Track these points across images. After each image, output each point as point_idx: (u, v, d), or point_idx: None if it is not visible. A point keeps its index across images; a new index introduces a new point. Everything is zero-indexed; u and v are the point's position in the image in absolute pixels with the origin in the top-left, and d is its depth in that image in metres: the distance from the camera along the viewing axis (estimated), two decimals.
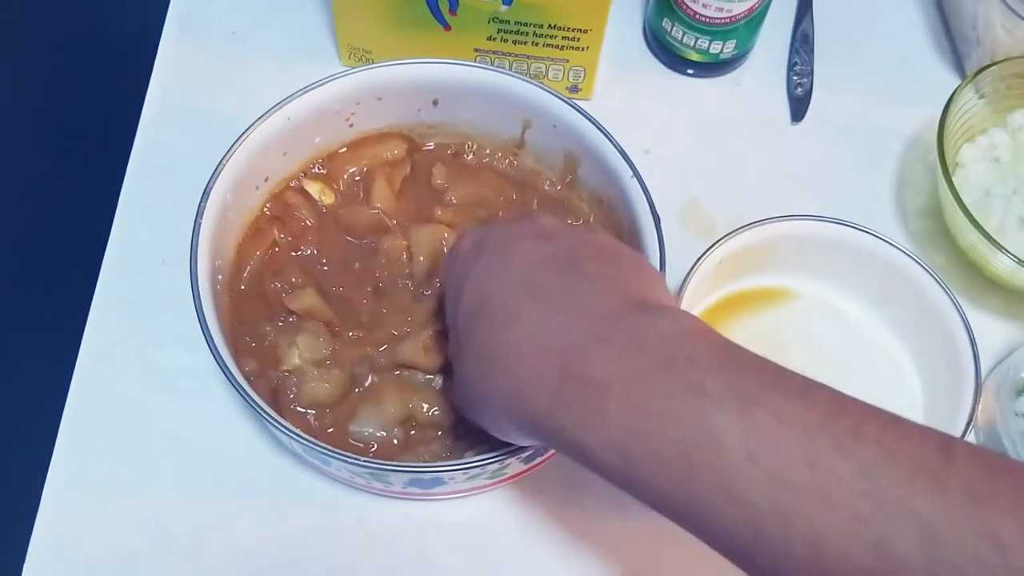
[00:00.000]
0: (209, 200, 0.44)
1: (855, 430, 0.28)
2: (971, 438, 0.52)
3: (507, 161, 0.53)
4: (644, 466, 0.30)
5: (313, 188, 0.51)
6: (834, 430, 0.28)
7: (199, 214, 0.44)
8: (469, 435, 0.45)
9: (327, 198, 0.51)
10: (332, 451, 0.40)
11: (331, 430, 0.45)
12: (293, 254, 0.49)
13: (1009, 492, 0.26)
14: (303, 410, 0.45)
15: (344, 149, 0.52)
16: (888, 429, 0.28)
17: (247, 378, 0.43)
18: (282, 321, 0.47)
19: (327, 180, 0.51)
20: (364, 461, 0.40)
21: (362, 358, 0.46)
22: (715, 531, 0.30)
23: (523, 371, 0.33)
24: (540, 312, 0.34)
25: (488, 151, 0.53)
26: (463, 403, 0.39)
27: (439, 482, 0.43)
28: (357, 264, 0.49)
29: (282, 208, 0.50)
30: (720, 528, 0.29)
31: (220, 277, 0.46)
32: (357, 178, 0.52)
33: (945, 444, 0.27)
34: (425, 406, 0.45)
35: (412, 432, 0.45)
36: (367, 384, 0.46)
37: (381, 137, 0.52)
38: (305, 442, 0.40)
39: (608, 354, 0.32)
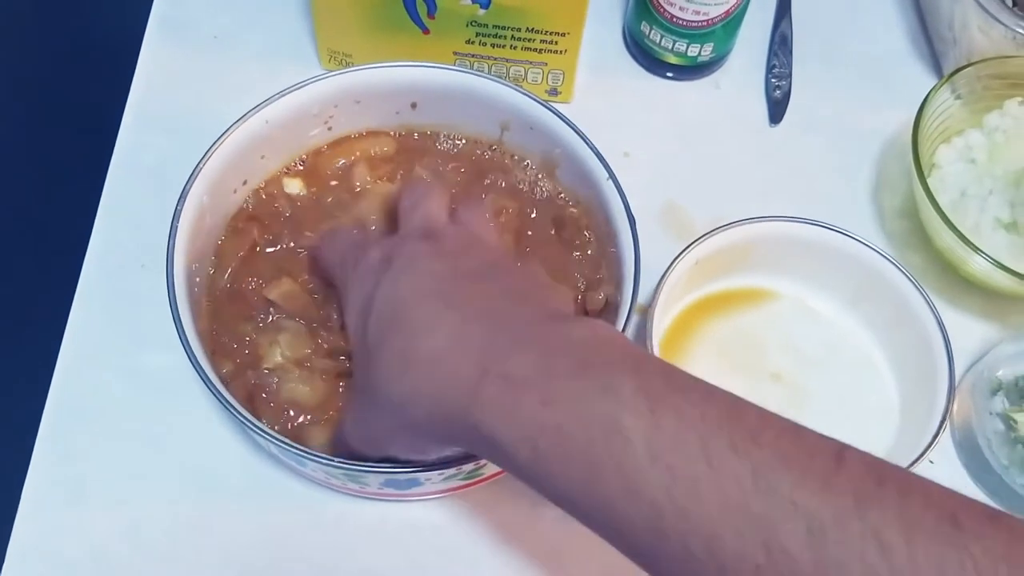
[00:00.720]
0: (185, 203, 0.45)
1: (753, 433, 0.29)
2: (947, 437, 0.53)
3: (485, 155, 0.53)
4: (553, 462, 0.31)
5: (293, 186, 0.51)
6: (732, 431, 0.29)
7: (175, 217, 0.44)
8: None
9: (303, 192, 0.51)
10: (306, 452, 0.40)
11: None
12: (269, 250, 0.49)
13: (896, 495, 0.27)
14: (282, 409, 0.45)
15: (326, 148, 0.52)
16: (785, 434, 0.29)
17: (224, 380, 0.43)
18: (262, 319, 0.47)
19: (308, 177, 0.52)
20: (338, 462, 0.40)
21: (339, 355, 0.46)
22: (619, 530, 0.30)
23: (443, 374, 0.34)
24: (459, 318, 0.35)
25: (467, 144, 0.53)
26: (364, 431, 0.40)
27: (415, 483, 0.43)
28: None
29: (261, 206, 0.50)
30: (624, 527, 0.30)
31: (198, 279, 0.47)
32: (340, 172, 0.52)
33: (839, 450, 0.29)
34: None
35: None
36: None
37: (369, 134, 0.53)
38: (279, 443, 0.40)
39: (528, 355, 0.33)
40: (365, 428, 0.39)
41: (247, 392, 0.45)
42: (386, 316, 0.37)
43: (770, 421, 0.30)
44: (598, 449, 0.30)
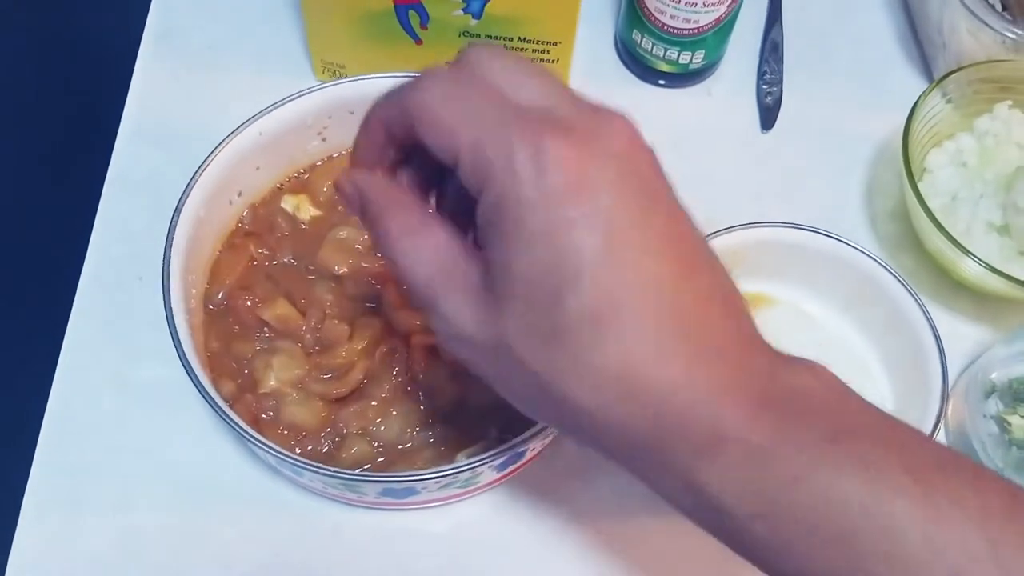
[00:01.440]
0: (181, 216, 0.45)
1: None
2: (941, 439, 0.53)
3: None
4: (798, 543, 0.28)
5: (290, 203, 0.52)
6: (1019, 527, 0.26)
7: (171, 229, 0.44)
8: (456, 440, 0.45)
9: (304, 213, 0.51)
10: (303, 462, 0.41)
11: (309, 447, 0.45)
12: (267, 264, 0.49)
13: None
14: (282, 431, 0.46)
15: (320, 163, 0.53)
16: None
17: (227, 400, 0.43)
18: (258, 336, 0.47)
19: (307, 194, 0.52)
20: (335, 472, 0.41)
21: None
22: None
23: (668, 417, 0.29)
24: (690, 353, 0.29)
25: None
26: (504, 383, 0.32)
27: (412, 491, 0.44)
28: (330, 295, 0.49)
29: (258, 224, 0.51)
30: None
31: (194, 292, 0.47)
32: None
33: None
34: (408, 429, 0.46)
35: (402, 447, 0.46)
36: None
37: None
38: (276, 454, 0.40)
39: (770, 418, 0.28)
40: (502, 384, 0.32)
41: (251, 416, 0.45)
42: (602, 311, 0.28)
43: None
44: (863, 537, 0.26)
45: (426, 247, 0.31)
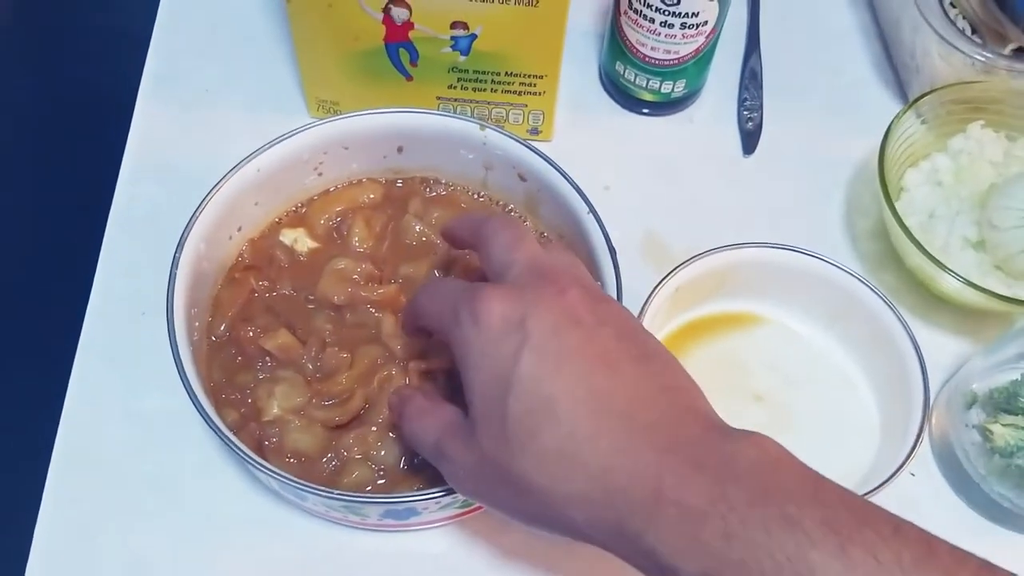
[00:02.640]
0: (183, 251, 0.46)
1: (949, 573, 0.29)
2: (927, 451, 0.54)
3: (474, 195, 0.56)
4: None
5: (288, 237, 0.53)
6: (929, 573, 0.28)
7: (174, 264, 0.46)
8: None
9: (301, 245, 0.53)
10: (307, 486, 0.42)
11: (312, 472, 0.47)
12: (267, 296, 0.51)
13: None
14: (287, 459, 0.47)
15: (316, 196, 0.54)
16: (981, 574, 0.29)
17: (232, 429, 0.45)
18: (260, 365, 0.49)
19: (304, 227, 0.54)
20: (337, 494, 0.42)
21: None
22: None
23: (614, 488, 0.33)
24: (626, 427, 0.33)
25: (456, 189, 0.56)
26: (492, 499, 0.38)
27: (413, 512, 0.45)
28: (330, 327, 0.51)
29: (258, 257, 0.52)
30: None
31: (197, 324, 0.48)
32: (335, 223, 0.54)
33: None
34: (412, 453, 0.47)
35: (402, 470, 0.47)
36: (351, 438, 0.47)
37: (357, 182, 0.55)
38: (281, 478, 0.42)
39: (704, 480, 0.32)
40: (492, 498, 0.38)
41: (255, 444, 0.46)
42: (537, 405, 0.34)
43: (964, 558, 0.30)
44: None
45: (433, 419, 0.40)
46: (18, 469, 0.51)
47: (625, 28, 0.60)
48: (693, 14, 0.57)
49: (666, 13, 0.57)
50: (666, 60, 0.60)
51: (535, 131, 0.61)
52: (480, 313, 0.36)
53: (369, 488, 0.46)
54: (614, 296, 0.47)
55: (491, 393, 0.35)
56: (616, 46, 0.62)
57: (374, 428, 0.47)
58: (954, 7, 0.63)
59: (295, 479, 0.42)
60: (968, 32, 0.62)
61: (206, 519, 0.49)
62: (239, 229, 0.52)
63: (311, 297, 0.51)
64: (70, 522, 0.49)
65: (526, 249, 0.39)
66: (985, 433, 0.51)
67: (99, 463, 0.50)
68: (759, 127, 0.65)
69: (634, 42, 0.60)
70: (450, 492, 0.42)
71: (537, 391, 0.34)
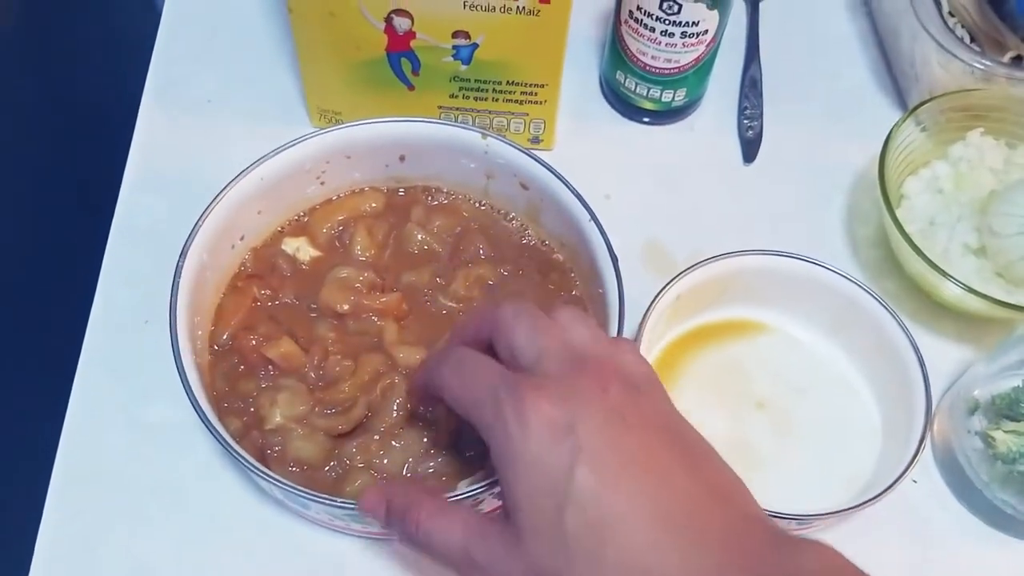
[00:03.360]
0: (186, 260, 0.47)
1: None
2: (929, 457, 0.54)
3: (476, 203, 0.56)
4: None
5: (290, 246, 0.53)
6: None
7: (177, 273, 0.46)
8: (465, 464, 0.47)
9: (303, 254, 0.53)
10: (311, 494, 0.42)
11: (315, 481, 0.47)
12: (269, 305, 0.51)
13: None
14: (289, 467, 0.47)
15: (319, 205, 0.55)
16: None
17: (234, 437, 0.45)
18: (263, 374, 0.49)
19: (306, 236, 0.54)
20: (341, 502, 0.42)
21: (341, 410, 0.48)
22: None
23: None
24: (688, 544, 0.33)
25: (458, 197, 0.56)
26: None
27: None
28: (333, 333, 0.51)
29: (260, 266, 0.53)
30: None
31: (200, 333, 0.49)
32: (337, 231, 0.54)
33: None
34: (410, 460, 0.47)
35: (407, 475, 0.47)
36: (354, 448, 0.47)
37: (359, 191, 0.55)
38: (284, 487, 0.42)
39: None
40: None
41: (258, 452, 0.46)
42: (598, 520, 0.33)
43: None
44: None
45: (455, 519, 0.37)
46: (21, 478, 0.51)
47: (626, 37, 0.60)
48: (693, 23, 0.57)
49: (666, 22, 0.57)
50: (667, 69, 0.60)
51: (536, 140, 0.62)
52: (527, 416, 0.34)
53: None
54: (616, 305, 0.47)
55: (543, 504, 0.34)
56: (617, 55, 0.62)
57: (376, 436, 0.47)
58: (953, 16, 0.63)
59: (298, 487, 0.42)
60: (967, 40, 0.62)
61: (208, 528, 0.49)
62: (241, 238, 0.52)
63: (313, 306, 0.51)
64: (73, 531, 0.49)
65: (553, 334, 0.38)
66: (987, 439, 0.51)
67: (102, 472, 0.50)
68: (759, 135, 0.65)
69: (635, 51, 0.60)
70: (452, 500, 0.42)
71: (598, 506, 0.33)
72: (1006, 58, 0.62)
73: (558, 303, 0.40)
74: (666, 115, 0.65)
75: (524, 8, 0.52)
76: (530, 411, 0.34)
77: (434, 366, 0.40)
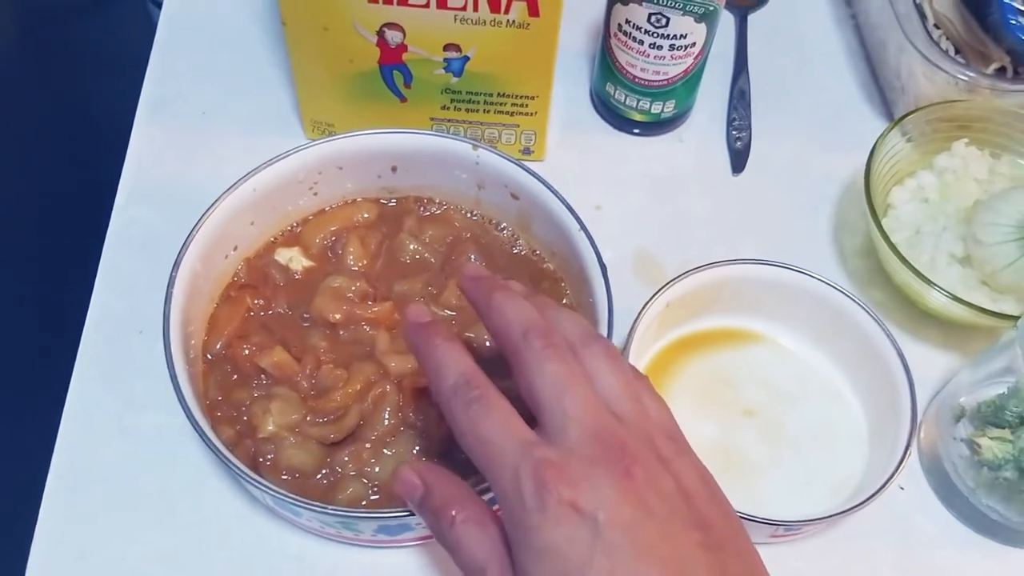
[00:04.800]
0: (180, 270, 0.47)
1: None
2: (916, 464, 0.55)
3: (467, 213, 0.56)
4: None
5: (283, 256, 0.54)
6: None
7: (170, 283, 0.46)
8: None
9: (296, 264, 0.54)
10: (302, 502, 0.42)
11: (306, 489, 0.47)
12: (262, 314, 0.52)
13: None
14: (281, 475, 0.47)
15: (311, 216, 0.55)
16: None
17: (227, 445, 0.45)
18: (256, 383, 0.49)
19: (299, 246, 0.54)
20: (332, 509, 0.42)
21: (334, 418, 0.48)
22: None
23: None
24: None
25: (450, 207, 0.56)
26: None
27: (406, 528, 0.45)
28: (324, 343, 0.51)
29: (253, 276, 0.53)
30: None
31: (193, 342, 0.49)
32: (329, 241, 0.54)
33: None
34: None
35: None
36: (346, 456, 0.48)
37: (351, 202, 0.56)
38: (275, 494, 0.42)
39: None
40: None
41: (251, 460, 0.47)
42: None
43: None
44: None
45: (488, 536, 0.36)
46: (14, 486, 0.51)
47: (615, 50, 0.61)
48: (681, 36, 0.58)
49: (655, 35, 0.58)
50: (656, 81, 0.61)
51: (527, 151, 0.62)
52: (548, 499, 0.33)
53: (363, 504, 0.47)
54: (605, 313, 0.48)
55: None
56: (606, 67, 0.63)
57: (368, 445, 0.48)
58: (938, 28, 0.64)
59: (290, 495, 0.43)
60: (952, 52, 0.63)
61: (201, 536, 0.50)
62: (235, 248, 0.52)
63: (306, 315, 0.51)
64: (66, 539, 0.49)
65: (580, 394, 0.36)
66: (973, 446, 0.51)
67: (95, 480, 0.51)
68: (747, 146, 0.65)
69: (624, 63, 0.61)
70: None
71: None
72: (990, 70, 0.63)
73: (586, 331, 0.39)
74: (655, 126, 0.65)
75: (514, 22, 0.53)
76: (552, 495, 0.33)
77: (451, 395, 0.37)
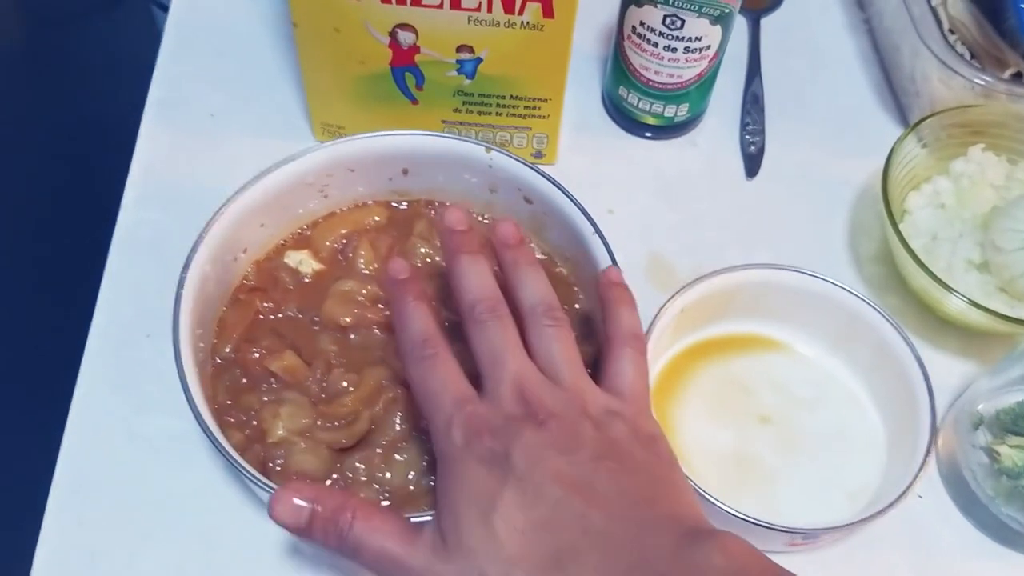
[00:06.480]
0: (189, 272, 0.46)
1: None
2: (934, 472, 0.54)
3: (479, 217, 0.56)
4: None
5: (293, 259, 0.53)
6: None
7: (180, 285, 0.46)
8: None
9: (306, 267, 0.53)
10: None
11: None
12: (272, 318, 0.51)
13: None
14: (291, 479, 0.46)
15: (322, 219, 0.55)
16: None
17: (235, 449, 0.44)
18: (265, 387, 0.49)
19: (309, 249, 0.54)
20: None
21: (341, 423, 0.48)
22: None
23: None
24: (598, 547, 0.35)
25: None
26: None
27: None
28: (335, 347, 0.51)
29: (263, 279, 0.52)
30: None
31: (202, 346, 0.48)
32: (340, 244, 0.54)
33: None
34: (413, 473, 0.47)
35: (407, 492, 0.46)
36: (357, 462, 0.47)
37: (362, 205, 0.55)
38: None
39: None
40: None
41: (260, 465, 0.46)
42: (520, 527, 0.36)
43: None
44: None
45: (390, 522, 0.39)
46: (20, 491, 0.51)
47: (628, 52, 0.60)
48: (696, 38, 0.57)
49: (669, 37, 0.57)
50: (669, 84, 0.61)
51: (539, 154, 0.62)
52: (473, 443, 0.38)
53: None
54: None
55: (471, 513, 0.37)
56: (619, 70, 0.62)
57: (379, 450, 0.47)
58: (953, 33, 0.63)
59: None
60: (967, 57, 0.62)
61: (209, 541, 0.49)
62: (244, 251, 0.52)
63: (316, 319, 0.51)
64: (73, 544, 0.49)
65: (512, 366, 0.40)
66: (992, 454, 0.50)
67: (102, 485, 0.50)
68: (761, 151, 0.65)
69: (637, 66, 0.61)
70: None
71: (522, 516, 0.36)
72: (1006, 74, 0.62)
73: (543, 301, 0.43)
74: (668, 130, 0.65)
75: (528, 23, 0.52)
76: (475, 442, 0.38)
77: (409, 349, 0.42)
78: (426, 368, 0.41)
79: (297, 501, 0.39)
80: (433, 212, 0.56)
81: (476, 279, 0.43)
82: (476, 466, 0.37)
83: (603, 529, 0.35)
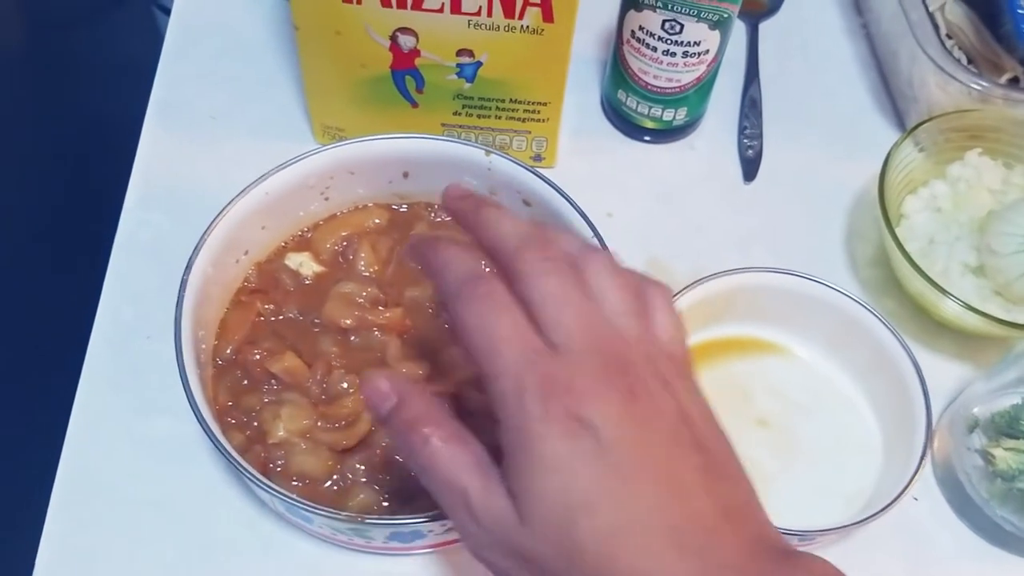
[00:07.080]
0: (191, 273, 0.47)
1: None
2: (930, 474, 0.54)
3: None
4: None
5: (294, 261, 0.54)
6: None
7: (182, 287, 0.46)
8: None
9: (307, 269, 0.53)
10: (314, 507, 0.42)
11: (317, 495, 0.47)
12: (273, 319, 0.51)
13: None
14: (292, 481, 0.47)
15: (322, 221, 0.55)
16: None
17: (236, 450, 0.45)
18: (266, 388, 0.49)
19: (310, 251, 0.54)
20: (344, 515, 0.42)
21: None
22: None
23: None
24: (696, 557, 0.32)
25: None
26: (510, 568, 0.34)
27: (419, 535, 0.45)
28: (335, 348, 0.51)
29: (264, 281, 0.53)
30: None
31: (203, 347, 0.49)
32: (340, 247, 0.54)
33: None
34: (413, 474, 0.47)
35: (407, 493, 0.47)
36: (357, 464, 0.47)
37: (362, 207, 0.55)
38: (287, 499, 0.42)
39: None
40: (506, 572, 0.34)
41: (261, 466, 0.46)
42: (607, 529, 0.31)
43: None
44: None
45: (468, 454, 0.34)
46: (22, 492, 0.51)
47: (627, 56, 0.61)
48: (695, 43, 0.58)
49: (668, 42, 0.58)
50: (668, 88, 0.61)
51: (538, 158, 0.62)
52: (553, 410, 0.32)
53: (374, 511, 0.46)
54: None
55: (557, 503, 0.32)
56: (618, 74, 0.62)
57: (379, 451, 0.47)
58: (950, 38, 0.64)
59: (300, 500, 0.42)
60: (964, 62, 0.63)
61: (210, 543, 0.49)
62: (246, 253, 0.52)
63: (317, 321, 0.51)
64: (74, 546, 0.49)
65: (582, 316, 0.34)
66: (987, 457, 0.51)
67: (103, 486, 0.50)
68: (759, 154, 0.65)
69: (636, 70, 0.61)
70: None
71: (611, 518, 0.31)
72: (1003, 79, 0.62)
73: (585, 244, 0.37)
74: (667, 134, 0.65)
75: (528, 27, 0.52)
76: (557, 408, 0.32)
77: (459, 287, 0.34)
78: (486, 309, 0.34)
79: (385, 387, 0.35)
80: (433, 214, 0.56)
81: (510, 226, 0.36)
82: (559, 443, 0.32)
83: (699, 545, 0.32)
